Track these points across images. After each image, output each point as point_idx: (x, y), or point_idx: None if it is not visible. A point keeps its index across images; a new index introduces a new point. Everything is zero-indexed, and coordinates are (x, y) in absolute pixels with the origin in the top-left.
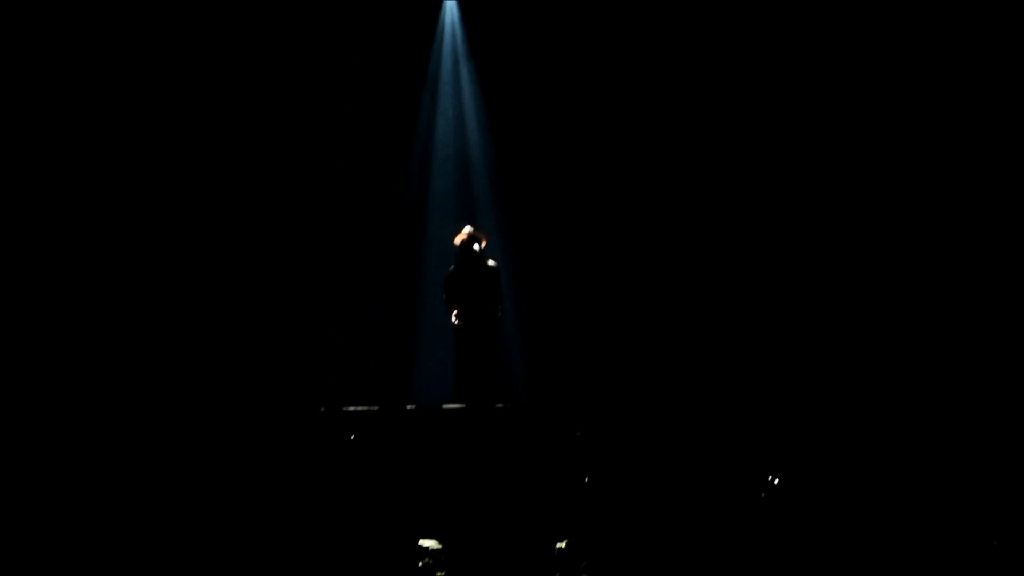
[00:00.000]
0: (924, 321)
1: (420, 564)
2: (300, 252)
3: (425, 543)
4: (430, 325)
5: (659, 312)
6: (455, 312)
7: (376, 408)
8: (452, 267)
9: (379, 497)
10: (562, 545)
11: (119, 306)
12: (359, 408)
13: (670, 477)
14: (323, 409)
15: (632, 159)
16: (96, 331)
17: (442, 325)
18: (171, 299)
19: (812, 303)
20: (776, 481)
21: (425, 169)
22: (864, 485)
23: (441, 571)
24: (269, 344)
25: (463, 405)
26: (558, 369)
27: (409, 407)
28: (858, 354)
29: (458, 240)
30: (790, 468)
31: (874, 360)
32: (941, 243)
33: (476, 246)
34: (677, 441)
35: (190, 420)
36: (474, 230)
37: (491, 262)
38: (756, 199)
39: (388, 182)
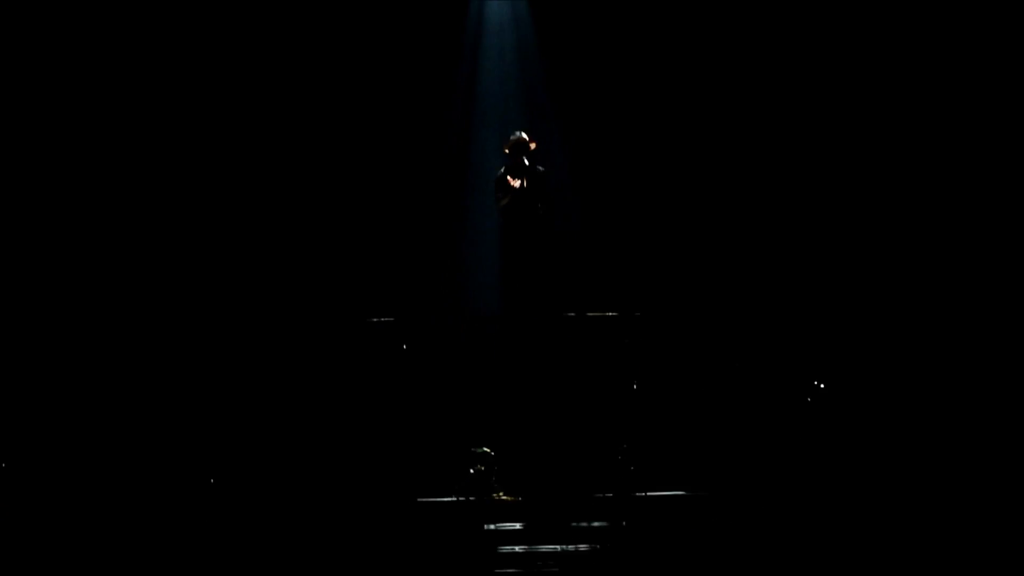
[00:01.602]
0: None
1: (472, 471)
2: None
3: (478, 450)
4: (477, 235)
5: (711, 221)
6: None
7: (427, 318)
8: (502, 170)
9: (432, 406)
10: (622, 447)
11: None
12: (410, 318)
13: (719, 382)
14: (375, 319)
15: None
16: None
17: (490, 234)
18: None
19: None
20: (822, 386)
21: (472, 80)
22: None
23: (494, 477)
24: (322, 257)
25: (511, 314)
26: (607, 278)
27: (459, 317)
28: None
29: (506, 148)
30: (836, 374)
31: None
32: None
33: (525, 157)
34: (725, 347)
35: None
36: (524, 137)
37: (540, 168)
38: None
39: (431, 98)
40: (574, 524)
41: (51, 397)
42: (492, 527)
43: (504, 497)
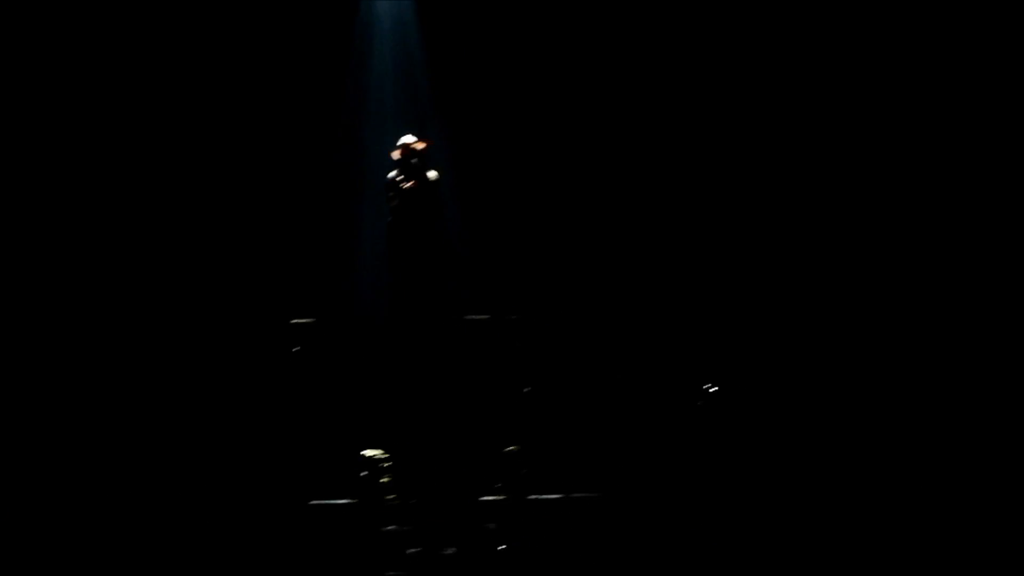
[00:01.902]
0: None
1: (365, 473)
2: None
3: (369, 453)
4: (368, 238)
5: (605, 216)
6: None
7: (319, 320)
8: (392, 173)
9: (324, 409)
10: (511, 449)
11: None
12: (302, 320)
13: (611, 385)
14: (267, 322)
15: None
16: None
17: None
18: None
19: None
20: (714, 390)
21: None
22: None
23: (384, 478)
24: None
25: (402, 317)
26: (499, 279)
27: (350, 319)
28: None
29: (395, 155)
30: (727, 378)
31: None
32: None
33: (415, 159)
34: (618, 350)
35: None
36: (412, 139)
37: (432, 173)
38: None
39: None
40: (466, 526)
41: None
42: (386, 529)
43: (396, 500)
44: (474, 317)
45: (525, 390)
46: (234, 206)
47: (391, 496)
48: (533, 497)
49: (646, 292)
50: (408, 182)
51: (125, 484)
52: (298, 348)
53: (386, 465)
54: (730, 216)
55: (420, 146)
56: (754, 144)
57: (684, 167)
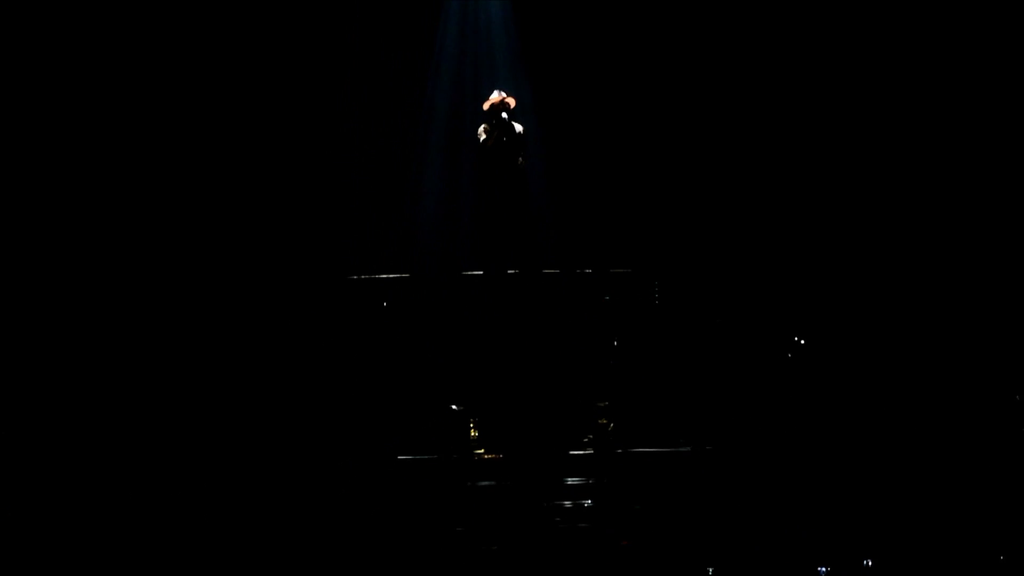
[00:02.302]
0: None
1: (453, 428)
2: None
3: (456, 407)
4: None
5: (690, 173)
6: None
7: (407, 275)
8: (481, 127)
9: (412, 364)
10: (602, 405)
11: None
12: (391, 276)
13: (700, 338)
14: (356, 277)
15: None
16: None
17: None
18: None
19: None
20: (803, 342)
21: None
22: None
23: (474, 435)
24: (298, 216)
25: (491, 271)
26: (586, 233)
27: (438, 274)
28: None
29: (486, 106)
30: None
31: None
32: None
33: (504, 114)
34: (707, 302)
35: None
36: (503, 95)
37: (519, 127)
38: None
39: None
40: (555, 480)
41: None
42: (473, 484)
43: (485, 455)
44: (563, 270)
45: (615, 343)
46: (322, 161)
47: (478, 451)
48: (621, 451)
49: (736, 244)
50: (496, 136)
51: (213, 438)
52: (386, 303)
53: (476, 421)
54: (819, 170)
55: (510, 101)
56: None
57: (767, 125)
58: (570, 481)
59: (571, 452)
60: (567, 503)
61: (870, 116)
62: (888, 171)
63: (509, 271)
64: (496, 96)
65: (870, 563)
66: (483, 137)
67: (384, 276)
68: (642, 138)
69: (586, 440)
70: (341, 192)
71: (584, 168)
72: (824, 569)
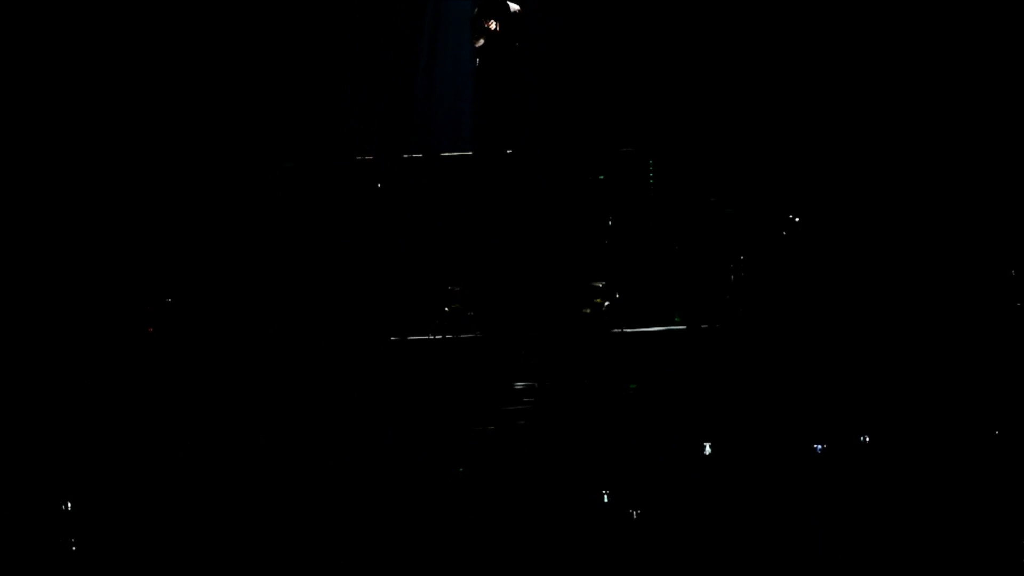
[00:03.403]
0: None
1: (447, 308)
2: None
3: (455, 288)
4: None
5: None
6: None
7: (406, 156)
8: (476, 9)
9: (406, 244)
10: (597, 285)
11: None
12: (386, 159)
13: (693, 219)
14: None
15: None
16: None
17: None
18: None
19: None
20: (797, 220)
21: None
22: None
23: (470, 314)
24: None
25: (486, 153)
26: (581, 113)
27: (433, 155)
28: None
29: None
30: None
31: None
32: None
33: None
34: (702, 180)
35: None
36: None
37: (513, 7)
38: None
39: None
40: (550, 361)
41: None
42: (468, 365)
43: (480, 335)
44: (559, 152)
45: (609, 223)
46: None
47: (475, 332)
48: (617, 331)
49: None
50: (493, 20)
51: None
52: (381, 185)
53: (471, 301)
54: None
55: None
56: None
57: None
58: (565, 360)
59: (567, 331)
60: (563, 383)
61: None
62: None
63: (506, 151)
64: None
65: (867, 439)
66: (475, 36)
67: (383, 158)
68: (641, 15)
69: (581, 319)
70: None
71: (581, 44)
72: (820, 446)
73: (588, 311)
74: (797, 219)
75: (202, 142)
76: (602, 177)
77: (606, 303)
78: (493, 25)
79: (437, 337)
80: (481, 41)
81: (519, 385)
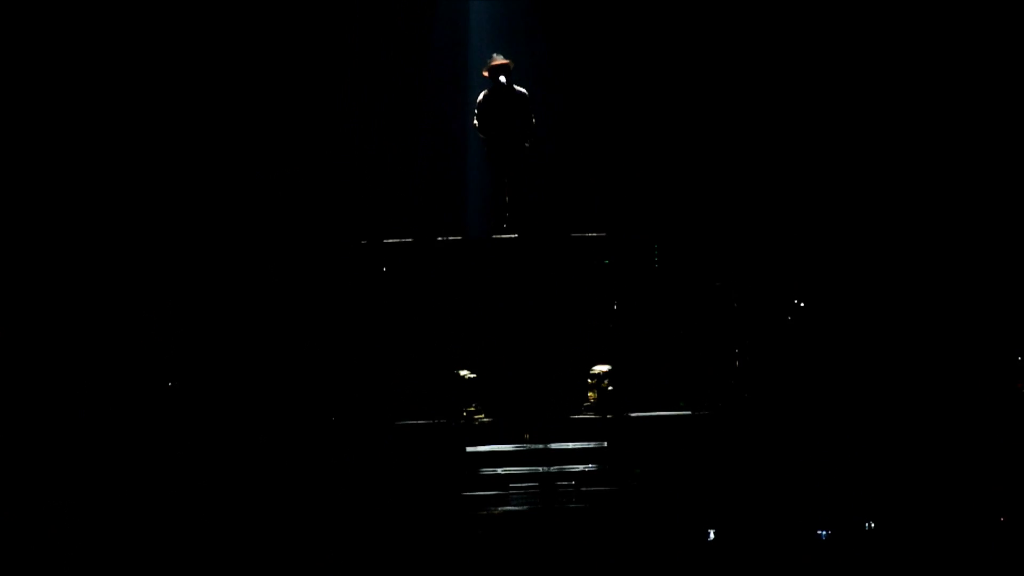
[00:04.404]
0: None
1: (452, 394)
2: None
3: (461, 373)
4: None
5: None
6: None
7: (409, 240)
8: (481, 96)
9: (410, 329)
10: (602, 369)
11: None
12: (394, 240)
13: (697, 302)
14: (363, 242)
15: None
16: None
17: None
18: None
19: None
20: (802, 304)
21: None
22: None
23: (474, 400)
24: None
25: (492, 236)
26: (590, 198)
27: (440, 238)
28: None
29: (485, 71)
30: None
31: None
32: None
33: (503, 77)
34: (706, 266)
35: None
36: (501, 59)
37: (521, 89)
38: None
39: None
40: (555, 446)
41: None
42: (473, 449)
43: (485, 419)
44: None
45: (614, 307)
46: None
47: (479, 416)
48: (621, 415)
49: (735, 210)
50: (499, 102)
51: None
52: (386, 268)
53: (475, 385)
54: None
55: (509, 64)
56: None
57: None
58: (570, 445)
59: (571, 416)
60: (568, 467)
61: (876, 91)
62: (896, 134)
63: (511, 235)
64: (493, 59)
65: (872, 525)
66: (481, 120)
67: (388, 241)
68: (645, 102)
69: (586, 404)
70: (346, 160)
71: (587, 132)
72: (825, 532)
73: (593, 395)
74: (802, 304)
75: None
76: (607, 262)
77: (610, 387)
78: (497, 108)
79: (444, 421)
80: (487, 120)
81: (524, 469)
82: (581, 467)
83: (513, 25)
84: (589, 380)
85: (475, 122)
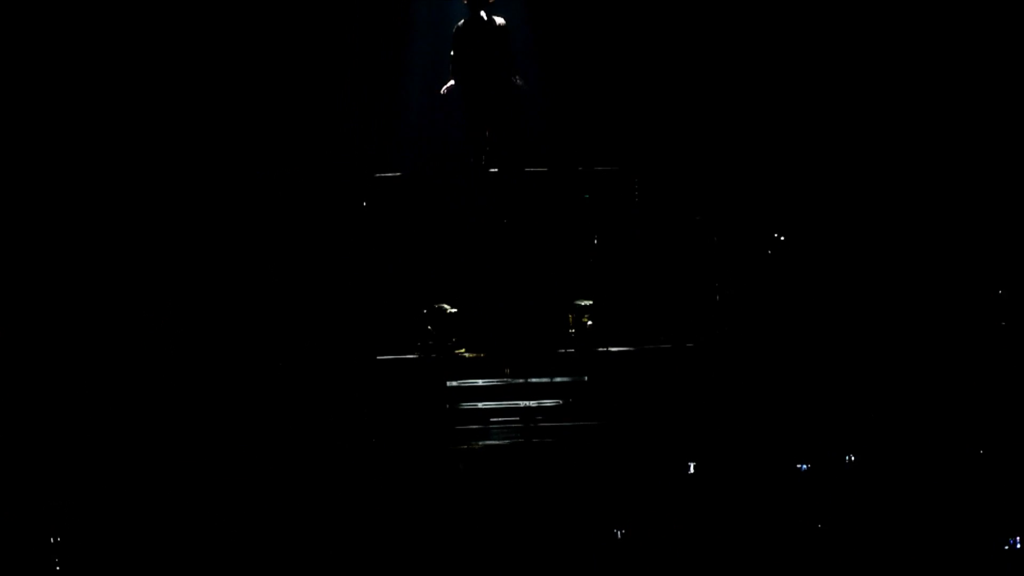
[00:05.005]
0: None
1: (433, 327)
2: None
3: (442, 307)
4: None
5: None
6: (451, 81)
7: (398, 174)
8: (459, 24)
9: (392, 263)
10: (584, 303)
11: None
12: (382, 175)
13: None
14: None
15: None
16: None
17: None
18: None
19: None
20: (781, 238)
21: None
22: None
23: (456, 337)
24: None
25: (472, 169)
26: (573, 131)
27: (419, 172)
28: None
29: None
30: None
31: None
32: None
33: (482, 9)
34: (687, 200)
35: None
36: None
37: (500, 20)
38: None
39: None
40: (536, 379)
41: None
42: (454, 383)
43: (466, 354)
44: (546, 168)
45: (594, 241)
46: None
47: (461, 350)
48: (602, 350)
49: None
50: (476, 34)
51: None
52: (365, 203)
53: (456, 320)
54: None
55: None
56: None
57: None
58: (551, 380)
59: (552, 350)
60: (548, 402)
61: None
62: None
63: (492, 169)
64: None
65: (852, 459)
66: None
67: (379, 175)
68: (625, 34)
69: (567, 338)
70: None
71: (566, 65)
72: (804, 466)
73: (573, 330)
74: (782, 237)
75: (200, 145)
76: (587, 196)
77: (591, 322)
78: (478, 41)
79: (424, 356)
80: (464, 53)
81: (505, 403)
82: (562, 401)
83: None
84: (570, 315)
85: (451, 52)
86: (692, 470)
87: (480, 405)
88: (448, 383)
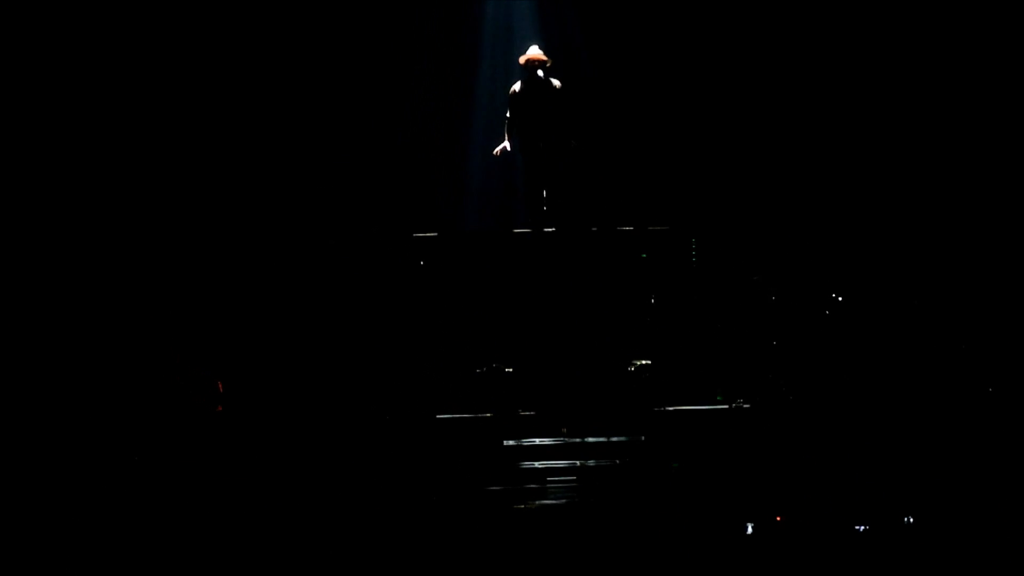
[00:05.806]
0: None
1: (492, 387)
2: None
3: (500, 367)
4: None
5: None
6: (506, 143)
7: (437, 233)
8: (516, 87)
9: (450, 322)
10: (640, 363)
11: None
12: (425, 234)
13: (735, 295)
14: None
15: None
16: None
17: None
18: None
19: None
20: (840, 299)
21: None
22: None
23: (513, 394)
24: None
25: (530, 229)
26: (630, 190)
27: (474, 231)
28: None
29: (523, 60)
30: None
31: None
32: None
33: (540, 71)
34: (744, 260)
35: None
36: (540, 54)
37: (556, 82)
38: None
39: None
40: (593, 439)
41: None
42: (512, 443)
43: (523, 413)
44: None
45: (652, 301)
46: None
47: (518, 410)
48: (659, 409)
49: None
50: (534, 95)
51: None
52: (423, 262)
53: (514, 379)
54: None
55: (547, 60)
56: None
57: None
58: (608, 439)
59: (610, 410)
60: (606, 461)
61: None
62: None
63: (548, 229)
64: (533, 51)
65: (911, 520)
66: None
67: (423, 235)
68: (684, 95)
69: (624, 398)
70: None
71: (624, 124)
72: (863, 527)
73: (631, 389)
74: (840, 298)
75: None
76: (645, 256)
77: (648, 381)
78: (535, 103)
79: (483, 415)
80: (519, 113)
81: (562, 463)
82: (619, 461)
83: (547, 18)
84: (627, 374)
85: (507, 114)
86: (750, 531)
87: (537, 465)
88: (505, 442)
